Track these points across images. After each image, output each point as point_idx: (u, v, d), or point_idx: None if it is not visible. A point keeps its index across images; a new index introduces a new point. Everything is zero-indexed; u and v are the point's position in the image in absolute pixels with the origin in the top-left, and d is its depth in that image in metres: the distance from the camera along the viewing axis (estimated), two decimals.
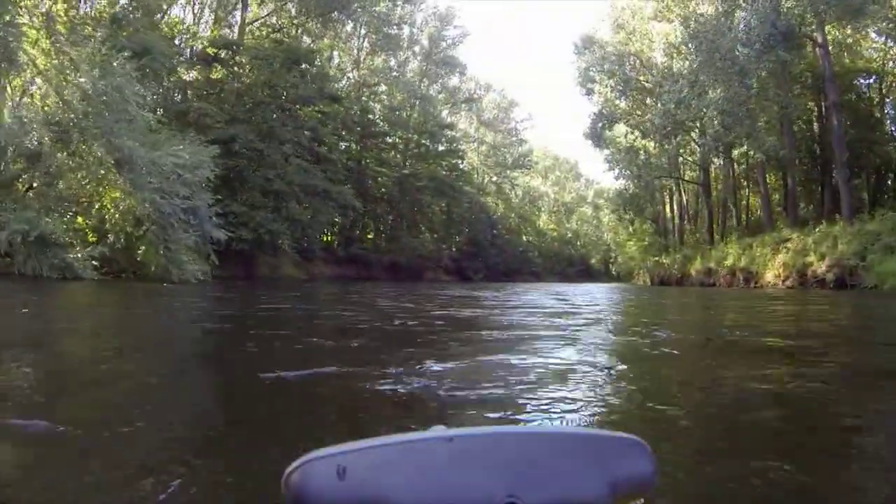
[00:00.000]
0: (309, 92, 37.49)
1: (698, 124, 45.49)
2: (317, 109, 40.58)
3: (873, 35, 42.49)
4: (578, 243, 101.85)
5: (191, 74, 36.76)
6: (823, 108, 42.58)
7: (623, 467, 0.76)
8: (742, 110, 34.86)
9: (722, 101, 34.71)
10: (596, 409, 3.36)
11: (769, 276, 35.74)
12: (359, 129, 55.90)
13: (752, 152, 38.56)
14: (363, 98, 57.52)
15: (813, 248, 33.22)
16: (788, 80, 37.78)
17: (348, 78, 58.09)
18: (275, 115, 36.23)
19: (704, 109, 37.15)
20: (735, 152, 41.21)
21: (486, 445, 0.72)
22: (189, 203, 21.38)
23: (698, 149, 51.47)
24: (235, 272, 34.12)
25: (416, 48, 67.34)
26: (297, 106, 37.97)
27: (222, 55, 36.67)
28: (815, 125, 43.95)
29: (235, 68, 37.22)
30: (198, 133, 31.79)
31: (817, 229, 34.48)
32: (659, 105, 47.08)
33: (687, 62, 47.53)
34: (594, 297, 21.58)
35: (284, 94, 36.22)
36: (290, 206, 35.29)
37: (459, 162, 68.46)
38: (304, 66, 38.11)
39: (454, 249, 69.61)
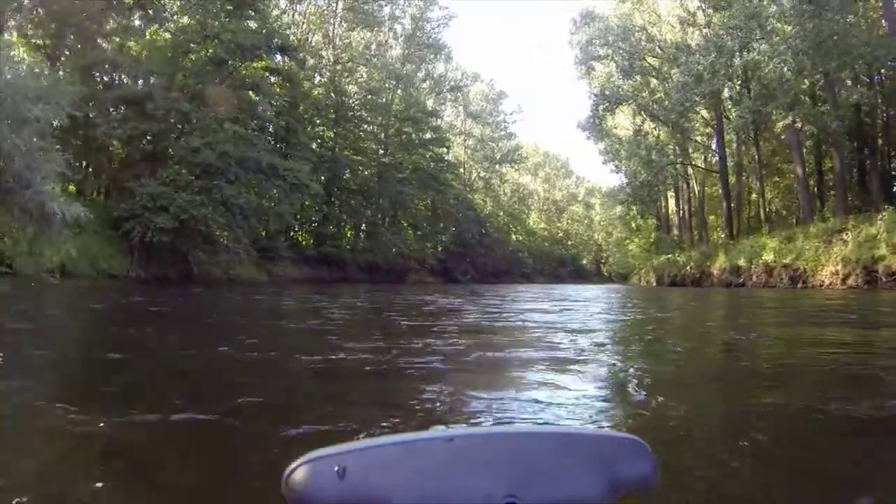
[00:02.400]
0: (252, 40, 28.22)
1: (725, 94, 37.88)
2: (264, 66, 31.60)
3: None
4: (569, 243, 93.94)
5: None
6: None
7: (623, 467, 0.73)
8: (819, 52, 26.51)
9: (797, 40, 26.15)
10: None
11: (825, 274, 28.00)
12: (333, 113, 47.74)
13: (798, 124, 30.56)
14: (337, 78, 49.18)
15: (885, 239, 25.66)
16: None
17: (321, 56, 49.63)
18: (208, 68, 27.35)
19: (765, 57, 28.58)
20: (779, 124, 33.20)
21: (486, 445, 0.70)
22: None
23: (713, 132, 43.94)
24: (165, 272, 25.66)
25: (398, 28, 59.17)
26: (238, 61, 29.03)
27: None
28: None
29: (164, 13, 28.26)
30: (105, 91, 23.68)
31: (881, 215, 26.87)
32: (673, 79, 39.54)
33: (700, 33, 40.29)
34: (615, 304, 14.70)
35: (220, 43, 27.10)
36: (222, 185, 26.19)
37: (445, 152, 60.21)
38: (249, 11, 28.88)
39: (439, 249, 61.32)
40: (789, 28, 28.55)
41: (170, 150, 25.77)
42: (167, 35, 28.44)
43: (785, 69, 27.28)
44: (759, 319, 10.14)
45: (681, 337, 7.34)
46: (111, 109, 23.72)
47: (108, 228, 23.93)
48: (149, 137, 25.35)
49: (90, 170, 27.27)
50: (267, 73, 32.09)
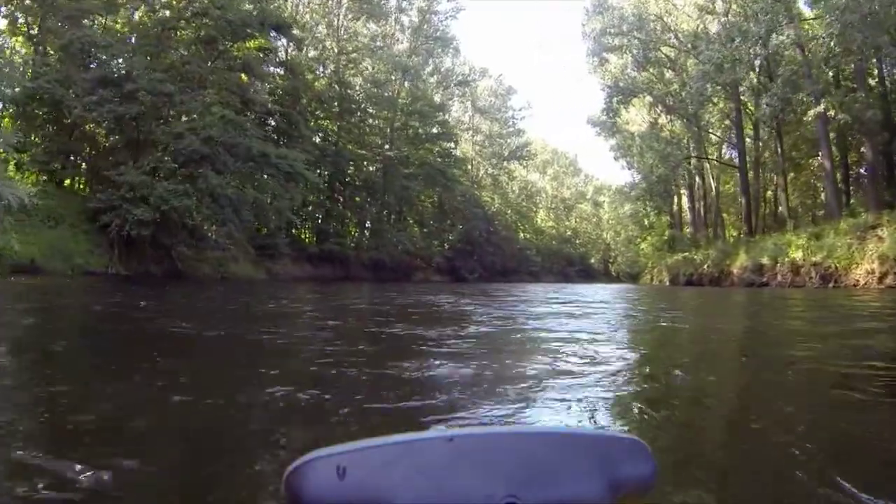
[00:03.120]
0: (242, 17, 25.60)
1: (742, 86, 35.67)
2: (258, 46, 29.20)
3: None
4: (577, 242, 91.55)
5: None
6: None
7: (623, 467, 0.73)
8: (869, 26, 24.04)
9: (846, 12, 23.61)
10: None
11: (859, 273, 25.83)
12: (336, 105, 45.63)
13: (831, 112, 28.28)
14: (341, 70, 47.08)
15: None
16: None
17: (324, 47, 47.56)
18: (196, 47, 24.92)
19: (807, 34, 26.27)
20: (810, 112, 30.85)
21: (486, 445, 0.70)
22: None
23: (731, 125, 41.77)
24: (147, 268, 23.42)
25: (405, 20, 56.89)
26: (229, 39, 26.58)
27: None
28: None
29: None
30: (82, 71, 21.68)
31: None
32: (689, 70, 37.47)
33: (719, 21, 38.12)
34: (645, 308, 12.67)
35: (210, 20, 24.74)
36: (208, 174, 23.42)
37: (453, 147, 57.87)
38: None
39: (446, 246, 59.10)
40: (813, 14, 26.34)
41: (152, 136, 23.51)
42: (152, 15, 26.17)
43: (832, 43, 24.93)
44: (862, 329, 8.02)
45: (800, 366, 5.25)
46: (89, 91, 21.61)
47: (87, 222, 21.86)
48: (131, 122, 23.14)
49: (71, 158, 25.19)
50: (261, 54, 29.69)
